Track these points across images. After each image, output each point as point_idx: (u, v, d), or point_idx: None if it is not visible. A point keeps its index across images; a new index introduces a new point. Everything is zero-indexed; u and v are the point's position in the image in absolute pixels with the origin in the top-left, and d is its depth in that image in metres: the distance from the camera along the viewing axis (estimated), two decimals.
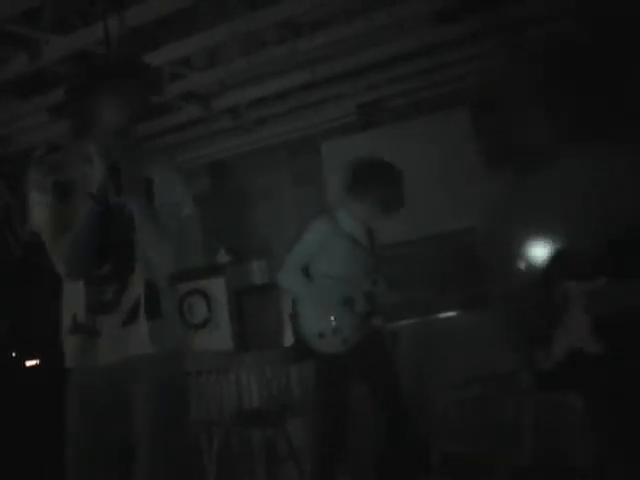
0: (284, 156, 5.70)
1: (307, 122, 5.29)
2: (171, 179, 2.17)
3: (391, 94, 4.96)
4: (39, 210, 2.05)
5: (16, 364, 4.52)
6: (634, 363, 2.38)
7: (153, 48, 3.71)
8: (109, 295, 2.04)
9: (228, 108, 4.83)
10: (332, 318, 3.34)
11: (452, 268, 4.96)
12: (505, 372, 3.89)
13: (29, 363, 4.54)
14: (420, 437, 4.03)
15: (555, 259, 2.74)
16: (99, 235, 2.00)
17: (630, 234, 2.49)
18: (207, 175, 5.92)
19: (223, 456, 4.24)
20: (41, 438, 4.01)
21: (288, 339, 4.73)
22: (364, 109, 5.07)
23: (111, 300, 2.03)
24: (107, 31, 2.92)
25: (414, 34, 4.03)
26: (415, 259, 4.97)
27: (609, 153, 2.57)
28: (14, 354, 4.53)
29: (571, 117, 2.77)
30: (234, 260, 5.46)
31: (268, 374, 4.47)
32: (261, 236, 5.60)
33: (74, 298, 2.05)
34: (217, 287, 5.36)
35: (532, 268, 2.82)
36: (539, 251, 2.83)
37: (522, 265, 3.00)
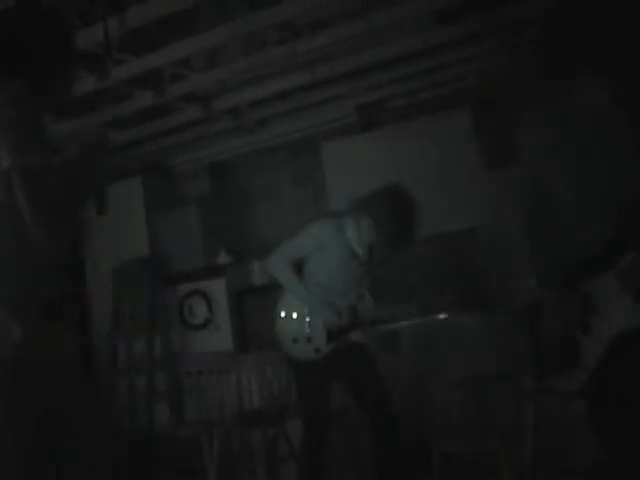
0: (284, 157, 5.70)
1: (307, 123, 5.30)
2: None
3: (391, 94, 4.96)
4: None
5: None
6: None
7: (153, 49, 3.71)
8: None
9: (228, 109, 4.84)
10: (307, 325, 3.30)
11: (452, 268, 4.97)
12: (505, 372, 3.90)
13: None
14: (420, 437, 4.04)
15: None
16: None
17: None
18: (207, 176, 5.93)
19: (224, 456, 4.24)
20: None
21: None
22: (364, 110, 5.08)
23: None
24: (107, 31, 2.93)
25: (414, 34, 4.03)
26: (415, 259, 4.98)
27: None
28: None
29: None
30: (234, 261, 5.46)
31: (269, 374, 4.47)
32: (261, 237, 5.60)
33: None
34: (218, 288, 5.37)
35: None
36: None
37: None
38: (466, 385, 3.99)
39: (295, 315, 3.35)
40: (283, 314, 3.37)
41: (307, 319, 3.33)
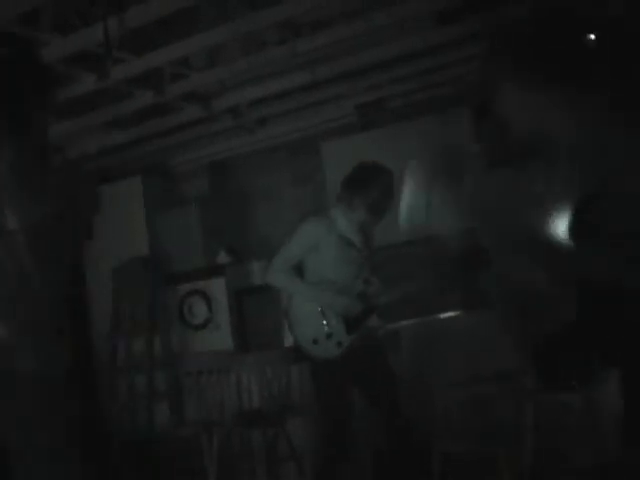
0: (284, 156, 5.70)
1: (307, 122, 5.30)
2: None
3: (391, 94, 4.96)
4: None
5: None
6: None
7: (153, 48, 3.72)
8: None
9: (228, 108, 4.84)
10: (324, 322, 3.30)
11: (452, 268, 4.96)
12: (505, 372, 3.89)
13: None
14: (421, 437, 4.04)
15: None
16: None
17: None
18: (207, 176, 5.93)
19: (224, 456, 4.24)
20: None
21: (288, 339, 4.73)
22: (363, 109, 5.08)
23: None
24: (107, 31, 2.93)
25: (414, 34, 4.04)
26: (415, 259, 4.97)
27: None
28: None
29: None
30: (234, 260, 5.46)
31: (268, 374, 4.47)
32: (261, 236, 5.60)
33: None
34: (217, 287, 5.37)
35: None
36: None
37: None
38: (466, 385, 3.99)
39: (309, 317, 3.34)
40: (296, 319, 3.37)
41: (322, 317, 3.32)
